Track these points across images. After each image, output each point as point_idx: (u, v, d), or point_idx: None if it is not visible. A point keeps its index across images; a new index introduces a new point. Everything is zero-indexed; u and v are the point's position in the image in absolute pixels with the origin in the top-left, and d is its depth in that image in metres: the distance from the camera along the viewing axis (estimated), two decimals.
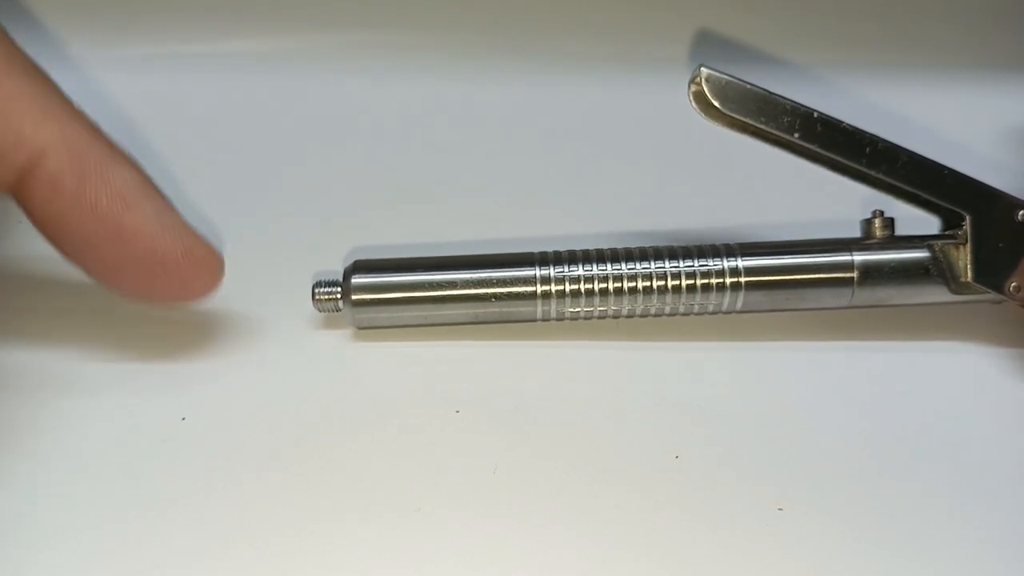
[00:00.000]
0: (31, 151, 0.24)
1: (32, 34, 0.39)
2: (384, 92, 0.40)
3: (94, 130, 0.25)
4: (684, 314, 0.30)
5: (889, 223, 0.30)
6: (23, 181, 0.24)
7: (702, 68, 0.27)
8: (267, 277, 0.32)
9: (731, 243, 0.30)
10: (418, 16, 0.40)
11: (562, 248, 0.30)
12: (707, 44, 0.40)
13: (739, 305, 0.29)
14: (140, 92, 0.38)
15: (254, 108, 0.39)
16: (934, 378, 0.30)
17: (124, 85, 0.39)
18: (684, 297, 0.29)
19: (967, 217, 0.28)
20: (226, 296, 0.32)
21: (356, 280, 0.29)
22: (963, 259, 0.29)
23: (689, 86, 0.28)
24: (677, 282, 0.29)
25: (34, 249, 0.27)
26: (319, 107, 0.40)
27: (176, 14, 0.40)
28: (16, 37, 0.24)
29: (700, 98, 0.28)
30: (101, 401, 0.28)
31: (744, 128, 0.28)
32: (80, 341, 0.30)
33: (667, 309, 0.30)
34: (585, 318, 0.30)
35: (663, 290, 0.29)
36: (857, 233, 0.30)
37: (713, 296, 0.29)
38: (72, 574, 0.23)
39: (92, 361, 0.29)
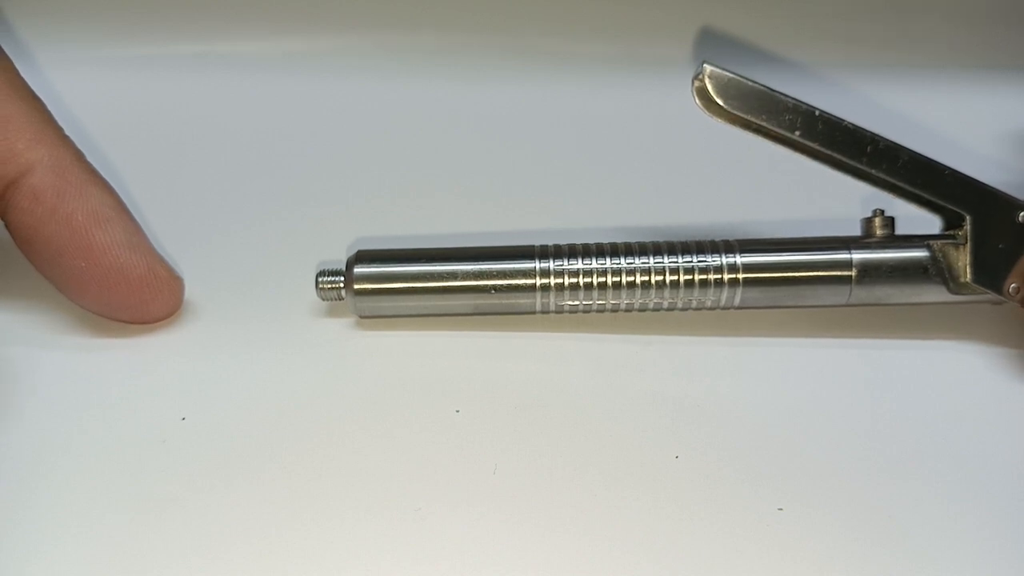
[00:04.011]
0: (20, 166, 0.27)
1: (32, 34, 0.39)
2: (388, 89, 0.40)
3: (77, 153, 0.28)
4: (682, 309, 0.30)
5: (889, 222, 0.30)
6: (7, 191, 0.27)
7: (705, 64, 0.27)
8: (272, 267, 0.33)
9: (730, 239, 0.30)
10: (426, 16, 0.40)
11: (562, 242, 0.30)
12: (709, 43, 0.40)
13: (737, 301, 0.30)
14: (141, 91, 0.39)
15: (257, 105, 0.40)
16: (933, 377, 0.30)
17: (125, 85, 0.39)
18: (683, 292, 0.29)
19: (967, 217, 0.28)
20: (232, 285, 0.32)
21: (358, 270, 0.29)
22: (962, 259, 0.29)
23: (692, 82, 0.28)
24: (676, 277, 0.29)
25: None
26: (323, 104, 0.40)
27: (177, 14, 0.40)
28: (16, 37, 0.25)
29: (703, 94, 0.28)
30: (101, 401, 0.28)
31: (746, 125, 0.28)
32: (79, 340, 0.30)
33: (665, 304, 0.30)
34: (584, 311, 0.30)
35: (662, 285, 0.29)
36: (858, 231, 0.30)
37: (711, 292, 0.29)
38: (72, 574, 0.23)
39: (91, 359, 0.29)
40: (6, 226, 0.28)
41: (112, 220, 0.28)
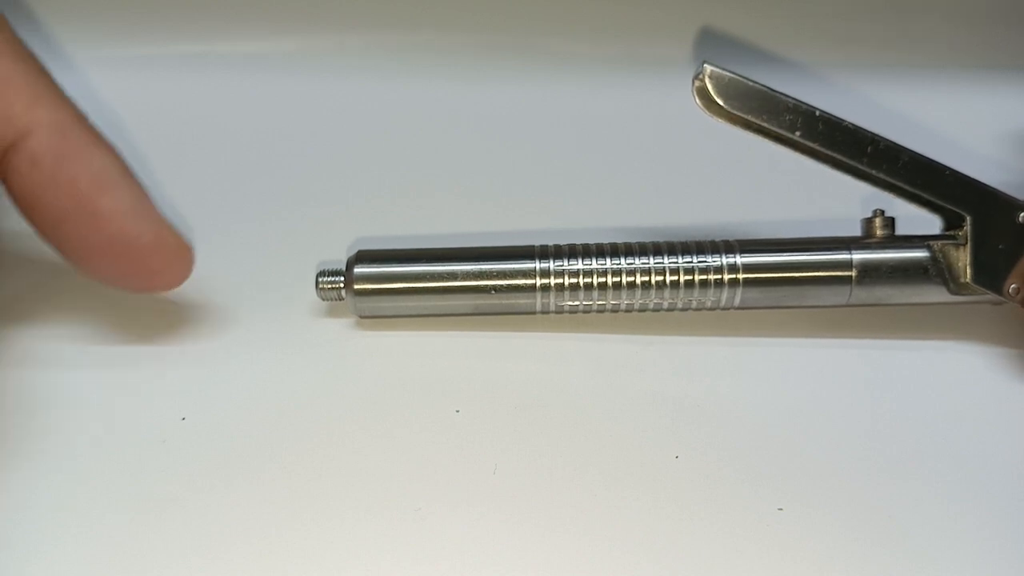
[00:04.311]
0: (19, 128, 0.25)
1: (32, 34, 0.39)
2: (388, 89, 0.40)
3: (80, 116, 0.26)
4: (683, 309, 0.30)
5: (889, 222, 0.30)
6: (7, 155, 0.25)
7: (706, 64, 0.27)
8: (272, 267, 0.33)
9: (730, 239, 0.30)
10: (427, 16, 0.40)
11: (562, 242, 0.30)
12: (710, 43, 0.40)
13: (737, 302, 0.30)
14: (141, 92, 0.39)
15: (257, 105, 0.39)
16: (933, 377, 0.30)
17: (126, 85, 0.39)
18: (683, 293, 0.29)
19: (967, 218, 0.28)
20: (232, 285, 0.32)
21: (358, 270, 0.29)
22: (962, 260, 0.29)
23: (693, 82, 0.28)
24: (676, 277, 0.29)
25: (33, 251, 0.28)
26: (323, 104, 0.40)
27: (177, 14, 0.40)
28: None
29: (703, 94, 0.28)
30: (101, 401, 0.28)
31: (746, 125, 0.28)
32: (79, 339, 0.29)
33: (666, 304, 0.30)
34: (584, 312, 0.30)
35: (662, 285, 0.29)
36: (858, 231, 0.30)
37: (711, 292, 0.29)
38: (72, 574, 0.23)
39: (91, 359, 0.29)
40: (7, 192, 0.26)
41: (118, 184, 0.26)
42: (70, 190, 0.25)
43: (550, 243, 0.30)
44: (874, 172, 0.28)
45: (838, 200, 0.33)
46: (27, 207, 0.26)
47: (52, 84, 0.26)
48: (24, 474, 0.26)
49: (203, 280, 0.31)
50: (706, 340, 0.31)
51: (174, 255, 0.27)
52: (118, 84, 0.39)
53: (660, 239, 0.30)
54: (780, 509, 0.25)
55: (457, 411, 0.28)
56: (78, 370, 0.29)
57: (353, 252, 0.30)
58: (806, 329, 0.31)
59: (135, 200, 0.26)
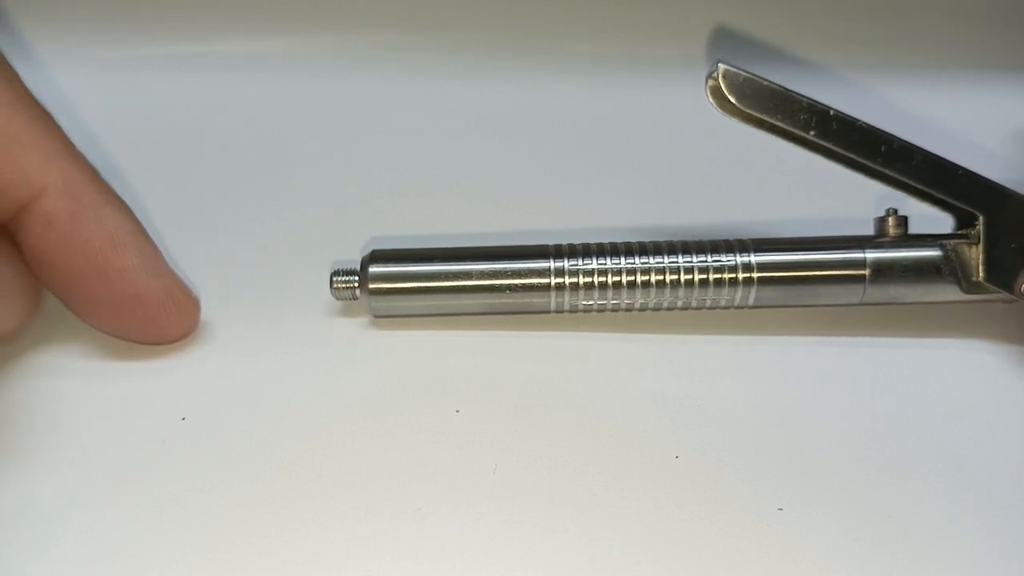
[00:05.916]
0: (32, 189, 0.25)
1: (32, 34, 0.39)
2: (388, 89, 0.40)
3: (92, 173, 0.27)
4: (697, 308, 0.30)
5: (902, 221, 0.30)
6: (19, 215, 0.26)
7: (720, 64, 0.27)
8: (287, 266, 0.33)
9: (745, 239, 0.30)
10: (427, 16, 0.40)
11: (577, 241, 0.30)
12: (724, 42, 0.40)
13: (751, 300, 0.29)
14: (142, 92, 0.39)
15: (257, 106, 0.39)
16: (943, 376, 0.30)
17: (127, 85, 0.39)
18: (697, 291, 0.29)
19: (980, 217, 0.28)
20: (246, 285, 0.32)
21: (373, 269, 0.29)
22: (975, 258, 0.29)
23: (706, 81, 0.28)
24: (690, 276, 0.29)
25: None
26: (323, 104, 0.40)
27: (177, 14, 0.40)
28: (14, 37, 0.24)
29: (717, 93, 0.28)
30: (101, 401, 0.28)
31: (760, 124, 0.28)
32: (80, 338, 0.29)
33: (679, 303, 0.30)
34: (598, 311, 0.30)
35: (676, 284, 0.29)
36: (871, 231, 0.30)
37: (726, 291, 0.29)
38: (72, 574, 0.23)
39: (92, 359, 0.29)
40: (20, 249, 0.27)
41: (128, 244, 0.27)
42: (84, 250, 0.26)
43: (556, 243, 0.30)
44: (888, 171, 0.28)
45: (851, 199, 0.32)
46: (39, 266, 0.27)
47: (64, 140, 0.27)
48: (24, 474, 0.26)
49: (216, 281, 0.32)
50: (706, 340, 0.31)
51: (183, 310, 0.28)
52: (120, 84, 0.39)
53: (673, 238, 0.30)
54: (780, 509, 0.25)
55: (457, 411, 0.28)
56: (79, 369, 0.29)
57: (367, 251, 0.30)
58: (807, 328, 0.31)
59: (146, 258, 0.27)
